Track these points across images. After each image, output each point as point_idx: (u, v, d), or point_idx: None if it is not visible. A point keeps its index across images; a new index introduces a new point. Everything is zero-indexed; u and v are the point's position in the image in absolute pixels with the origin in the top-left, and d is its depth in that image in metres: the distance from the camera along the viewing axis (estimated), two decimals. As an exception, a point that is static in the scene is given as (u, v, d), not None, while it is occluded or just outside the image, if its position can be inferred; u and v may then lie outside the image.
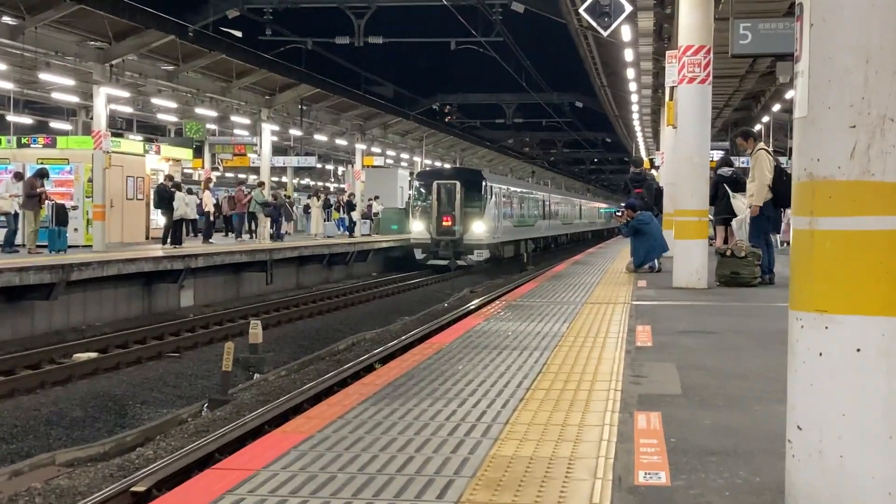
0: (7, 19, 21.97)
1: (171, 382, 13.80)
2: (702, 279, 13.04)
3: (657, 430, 4.79)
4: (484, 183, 35.78)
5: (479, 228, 35.11)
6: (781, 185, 12.77)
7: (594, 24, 16.33)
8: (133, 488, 7.66)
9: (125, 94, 27.80)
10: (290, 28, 35.59)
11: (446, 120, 64.68)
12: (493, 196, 36.72)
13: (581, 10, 17.49)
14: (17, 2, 21.21)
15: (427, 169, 46.48)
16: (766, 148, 13.23)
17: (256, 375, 13.87)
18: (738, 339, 8.21)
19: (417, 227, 35.34)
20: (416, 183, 36.83)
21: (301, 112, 36.54)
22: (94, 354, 14.77)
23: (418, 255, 34.98)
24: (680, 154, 13.55)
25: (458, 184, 35.01)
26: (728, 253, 13.14)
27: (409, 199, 39.13)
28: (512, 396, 5.65)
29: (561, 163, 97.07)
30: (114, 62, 24.16)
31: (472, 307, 20.05)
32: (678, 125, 13.69)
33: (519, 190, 45.52)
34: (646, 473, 4.06)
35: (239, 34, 30.49)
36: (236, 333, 17.71)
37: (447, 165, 53.92)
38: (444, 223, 34.81)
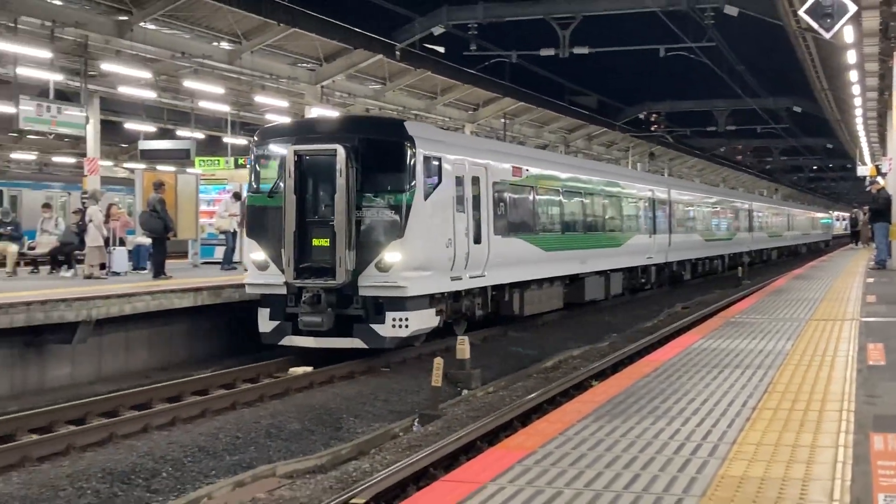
0: (225, 45, 23.43)
1: (381, 397, 14.24)
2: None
3: (897, 453, 4.67)
4: (409, 150, 15.76)
5: (394, 257, 15.41)
6: None
7: (815, 26, 15.84)
8: (352, 500, 8.04)
9: (334, 113, 28.95)
10: (495, 42, 36.08)
11: (653, 129, 63.86)
12: (445, 178, 16.55)
13: (801, 12, 16.99)
14: (234, 28, 22.57)
15: (278, 123, 20.55)
16: None
17: (465, 391, 14.17)
18: (984, 359, 7.82)
19: (256, 256, 16.22)
20: (256, 152, 16.82)
21: (504, 126, 37.01)
22: (309, 369, 15.44)
23: (263, 322, 15.99)
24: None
25: (342, 151, 15.26)
26: None
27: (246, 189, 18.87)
28: (737, 416, 5.62)
29: (777, 171, 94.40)
30: (324, 83, 25.26)
31: (686, 324, 19.77)
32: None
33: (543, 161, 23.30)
34: (886, 496, 3.98)
35: (442, 50, 31.18)
36: (442, 350, 18.08)
37: (328, 113, 26.11)
38: (316, 244, 15.64)
